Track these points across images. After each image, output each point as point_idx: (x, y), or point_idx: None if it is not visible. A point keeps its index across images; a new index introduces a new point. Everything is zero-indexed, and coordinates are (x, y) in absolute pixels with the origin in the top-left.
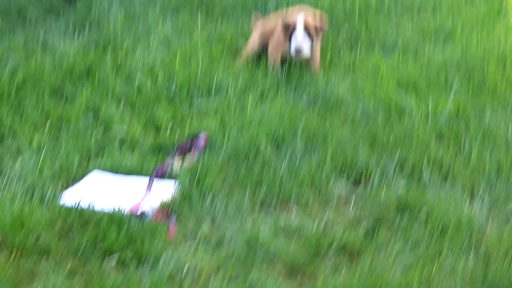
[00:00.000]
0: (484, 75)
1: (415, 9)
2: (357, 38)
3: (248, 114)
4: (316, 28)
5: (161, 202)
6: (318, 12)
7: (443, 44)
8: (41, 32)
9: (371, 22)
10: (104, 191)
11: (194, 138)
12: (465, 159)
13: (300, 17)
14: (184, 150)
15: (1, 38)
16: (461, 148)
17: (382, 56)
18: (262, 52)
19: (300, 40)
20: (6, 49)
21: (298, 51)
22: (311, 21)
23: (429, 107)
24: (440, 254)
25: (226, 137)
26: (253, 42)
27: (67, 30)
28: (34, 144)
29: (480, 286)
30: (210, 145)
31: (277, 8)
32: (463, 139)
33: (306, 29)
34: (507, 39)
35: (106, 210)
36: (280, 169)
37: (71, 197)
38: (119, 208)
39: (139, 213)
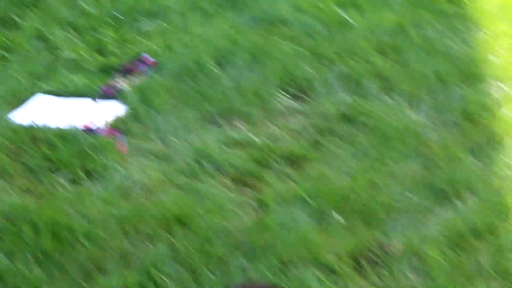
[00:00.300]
0: None
1: None
2: None
3: (191, 34)
4: None
5: (110, 120)
6: None
7: None
8: None
9: None
10: (51, 111)
11: (138, 58)
12: (406, 70)
13: None
14: (129, 71)
15: None
16: (403, 60)
17: None
18: None
19: None
20: None
21: None
22: None
23: (370, 21)
24: (384, 161)
25: (171, 57)
26: None
27: None
28: None
29: (425, 189)
30: (156, 65)
31: None
32: (404, 51)
33: None
34: None
35: (57, 127)
36: (226, 86)
37: (19, 118)
38: (69, 125)
39: (89, 129)
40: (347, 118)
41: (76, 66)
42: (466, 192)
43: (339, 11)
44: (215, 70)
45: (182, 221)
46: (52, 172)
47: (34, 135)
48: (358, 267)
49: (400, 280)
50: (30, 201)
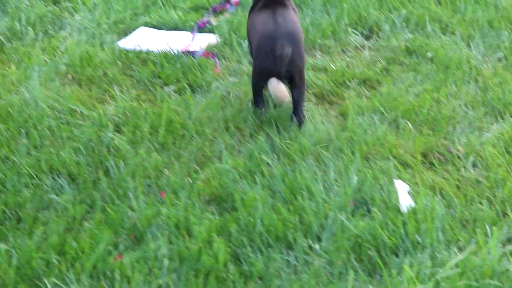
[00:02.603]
0: None
1: None
2: None
3: None
4: None
5: (205, 46)
6: None
7: None
8: None
9: None
10: (154, 40)
11: (225, 0)
12: (461, 16)
13: None
14: (218, 10)
15: None
16: (457, 7)
17: None
18: None
19: None
20: None
21: None
22: None
23: None
24: (445, 84)
25: None
26: None
27: None
28: (88, 3)
29: (481, 106)
30: (242, 3)
31: None
32: (459, 2)
33: None
34: None
35: (160, 51)
36: (304, 21)
37: (125, 44)
38: (171, 49)
39: (188, 52)
40: (411, 51)
41: (170, 3)
42: None
43: None
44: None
45: (277, 123)
46: (160, 85)
47: (142, 56)
48: (427, 163)
49: (465, 174)
50: (145, 104)
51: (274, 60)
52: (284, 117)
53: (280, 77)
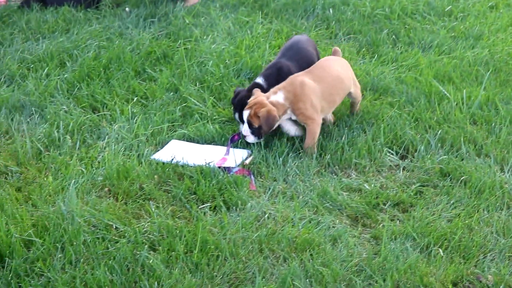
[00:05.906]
0: (509, 71)
1: (446, 15)
2: (397, 37)
3: None
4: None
5: (241, 162)
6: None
7: (473, 46)
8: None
9: (409, 25)
10: (189, 153)
11: None
12: (496, 138)
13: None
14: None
15: (80, 26)
16: (492, 129)
17: (420, 53)
18: None
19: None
20: (87, 36)
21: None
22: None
23: (464, 96)
24: (478, 209)
25: None
26: None
27: (138, 22)
28: (126, 113)
29: None
30: None
31: (323, 10)
32: (493, 122)
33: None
34: None
35: (197, 165)
36: (341, 141)
37: (160, 157)
38: (206, 164)
39: (224, 168)
40: (444, 174)
41: (207, 116)
42: None
43: (437, 85)
44: (331, 127)
45: (310, 246)
46: (195, 202)
47: (178, 170)
48: None
49: None
50: (180, 222)
51: None
52: (318, 241)
53: None
